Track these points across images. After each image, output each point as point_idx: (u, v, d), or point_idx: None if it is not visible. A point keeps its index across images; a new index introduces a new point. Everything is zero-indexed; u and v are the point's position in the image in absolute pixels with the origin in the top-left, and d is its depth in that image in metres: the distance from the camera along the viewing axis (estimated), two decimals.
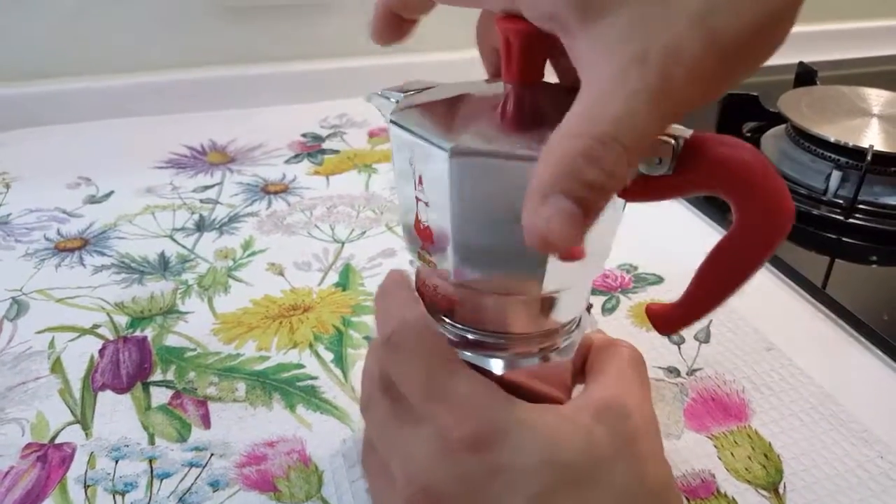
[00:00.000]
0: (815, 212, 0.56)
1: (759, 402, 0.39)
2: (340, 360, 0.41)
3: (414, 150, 0.25)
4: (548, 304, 0.28)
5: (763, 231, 0.24)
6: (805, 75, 0.74)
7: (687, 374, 0.41)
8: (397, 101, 0.27)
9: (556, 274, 0.26)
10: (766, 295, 0.48)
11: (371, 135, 0.70)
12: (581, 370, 0.29)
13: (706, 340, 0.43)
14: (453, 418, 0.24)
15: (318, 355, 0.41)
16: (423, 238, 0.27)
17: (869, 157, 0.54)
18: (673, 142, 0.23)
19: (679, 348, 0.43)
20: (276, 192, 0.59)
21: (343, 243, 0.52)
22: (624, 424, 0.25)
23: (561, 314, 0.28)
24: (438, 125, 0.25)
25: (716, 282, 0.26)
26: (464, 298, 0.28)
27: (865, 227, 0.54)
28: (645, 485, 0.25)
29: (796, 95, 0.66)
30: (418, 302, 0.28)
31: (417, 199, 0.26)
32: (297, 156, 0.65)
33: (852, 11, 1.02)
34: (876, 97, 0.66)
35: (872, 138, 0.57)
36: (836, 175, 0.56)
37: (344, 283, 0.47)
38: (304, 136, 0.70)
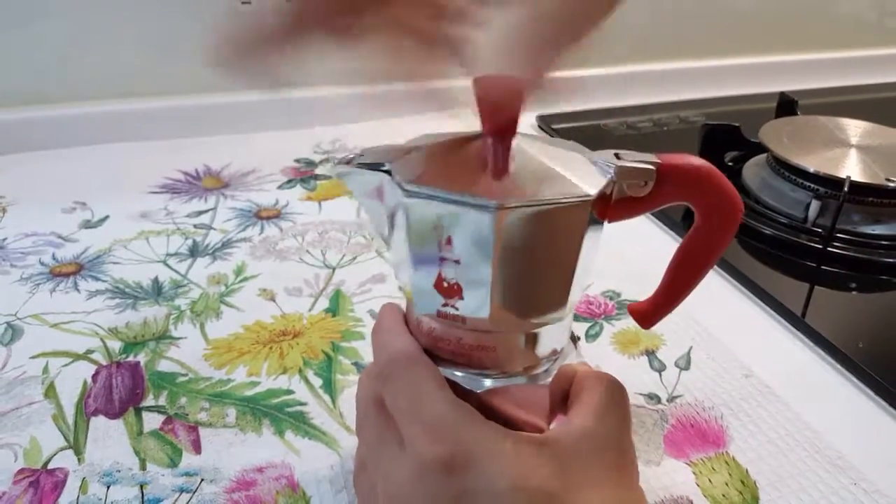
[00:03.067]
0: (795, 240, 0.57)
1: (737, 428, 0.40)
2: (329, 386, 0.41)
3: (443, 213, 0.26)
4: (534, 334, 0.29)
5: (721, 223, 0.30)
6: (786, 105, 0.76)
7: (667, 400, 0.42)
8: (372, 170, 0.28)
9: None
10: (745, 322, 0.50)
11: None
12: (564, 400, 0.30)
13: (686, 367, 0.45)
14: (428, 440, 0.25)
15: (307, 381, 0.42)
16: (448, 295, 0.28)
17: (846, 188, 0.55)
18: (653, 167, 0.28)
19: (660, 375, 0.44)
20: (268, 218, 0.60)
21: (334, 269, 0.53)
22: (601, 455, 0.26)
23: (547, 344, 0.30)
24: (460, 186, 0.26)
25: (685, 275, 0.32)
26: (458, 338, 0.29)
27: (843, 256, 0.56)
28: None
29: (777, 126, 0.68)
30: (408, 334, 0.30)
31: (443, 259, 0.27)
32: (290, 181, 0.67)
33: (833, 41, 1.04)
34: (854, 128, 0.67)
35: (850, 169, 0.59)
36: (815, 204, 0.58)
37: (334, 309, 0.48)
38: (297, 161, 0.71)
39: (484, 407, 0.28)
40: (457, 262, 0.27)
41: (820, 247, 0.56)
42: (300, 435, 0.38)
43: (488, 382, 0.30)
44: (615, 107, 0.85)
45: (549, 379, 0.31)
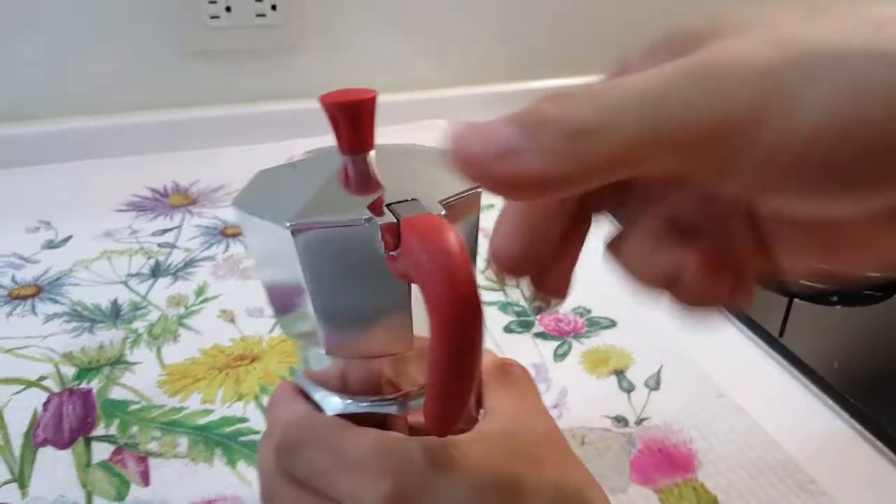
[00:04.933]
0: None
1: (707, 452, 0.39)
2: None
3: (259, 234, 0.26)
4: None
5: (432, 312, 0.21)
6: None
7: (635, 423, 0.41)
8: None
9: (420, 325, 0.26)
10: (719, 340, 0.48)
11: None
12: (478, 397, 0.30)
13: (656, 387, 0.43)
14: (370, 481, 0.24)
15: (262, 408, 0.40)
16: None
17: None
18: (396, 221, 0.24)
19: (629, 396, 0.43)
20: (234, 235, 0.58)
21: None
22: (532, 448, 0.27)
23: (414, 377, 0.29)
24: (279, 205, 0.25)
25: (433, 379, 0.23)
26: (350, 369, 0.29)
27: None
28: (565, 490, 0.25)
29: None
30: (300, 402, 0.29)
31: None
32: None
33: None
34: None
35: None
36: None
37: None
38: None
39: (404, 422, 0.28)
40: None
41: None
42: (253, 465, 0.37)
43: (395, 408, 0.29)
44: None
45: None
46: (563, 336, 0.48)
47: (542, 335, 0.48)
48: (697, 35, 0.18)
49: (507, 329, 0.48)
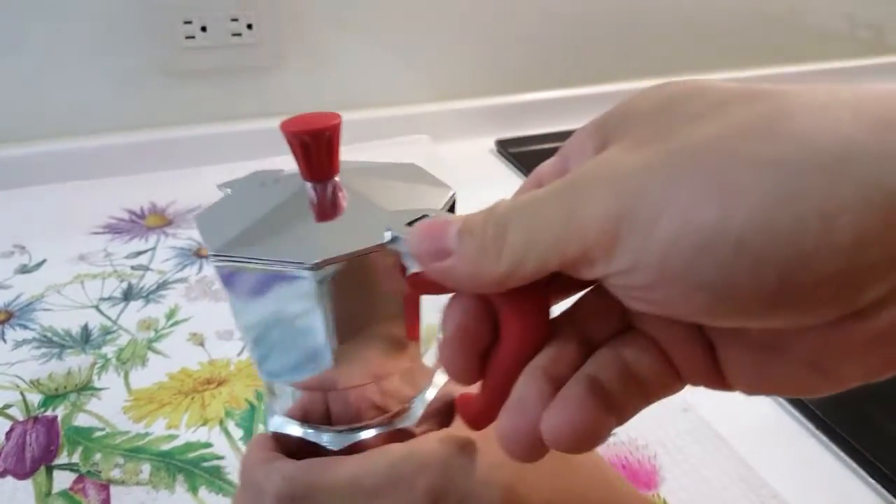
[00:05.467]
0: None
1: (670, 467, 0.39)
2: (250, 437, 0.40)
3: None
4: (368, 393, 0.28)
5: (519, 325, 0.22)
6: None
7: None
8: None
9: (355, 367, 0.26)
10: None
11: None
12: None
13: None
14: (401, 494, 0.25)
15: (227, 433, 0.40)
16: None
17: None
18: None
19: None
20: (208, 256, 0.58)
21: None
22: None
23: (390, 398, 0.29)
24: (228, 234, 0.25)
25: (497, 381, 0.23)
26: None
27: None
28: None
29: None
30: (260, 447, 0.29)
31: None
32: None
33: (805, 53, 1.04)
34: None
35: None
36: None
37: None
38: None
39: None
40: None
41: None
42: (214, 491, 0.37)
43: (362, 435, 0.28)
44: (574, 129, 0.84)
45: (412, 422, 0.29)
46: None
47: None
48: (614, 126, 0.20)
49: None
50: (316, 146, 0.25)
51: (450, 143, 0.83)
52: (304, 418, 0.29)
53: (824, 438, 0.41)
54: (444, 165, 0.78)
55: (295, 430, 0.29)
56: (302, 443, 0.29)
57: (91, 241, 0.61)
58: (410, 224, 0.23)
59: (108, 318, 0.51)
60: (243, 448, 0.39)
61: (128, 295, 0.53)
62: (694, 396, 0.43)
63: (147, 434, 0.40)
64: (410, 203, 0.26)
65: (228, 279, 0.25)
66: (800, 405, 0.43)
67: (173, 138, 0.74)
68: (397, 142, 0.82)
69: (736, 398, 0.43)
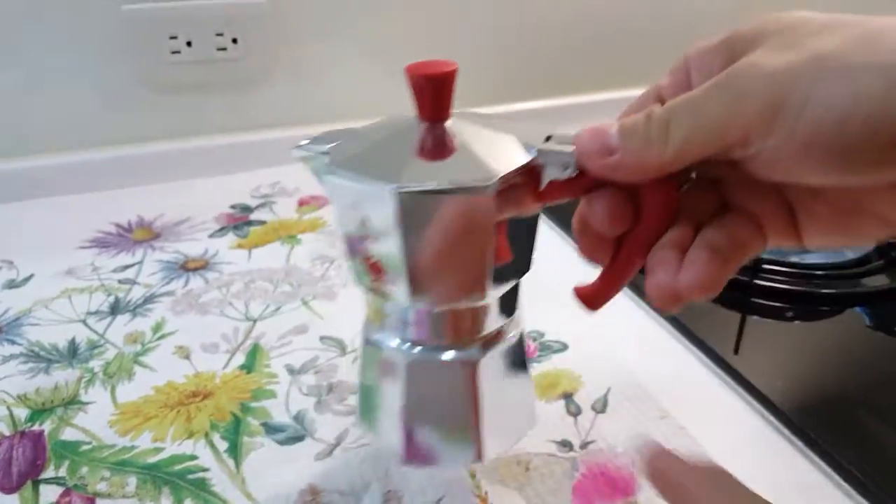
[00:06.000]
0: None
1: None
2: (235, 450, 0.41)
3: (358, 195, 0.28)
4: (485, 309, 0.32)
5: (660, 205, 0.28)
6: None
7: (580, 447, 0.41)
8: (323, 153, 0.30)
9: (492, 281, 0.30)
10: (668, 361, 0.49)
11: (301, 203, 0.71)
12: None
13: (603, 410, 0.44)
14: None
15: (212, 445, 0.41)
16: (373, 271, 0.30)
17: None
18: (572, 150, 0.28)
19: (575, 419, 0.43)
20: (195, 269, 0.59)
21: (255, 321, 0.52)
22: None
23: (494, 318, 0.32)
24: (376, 169, 0.28)
25: (627, 261, 0.30)
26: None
27: (772, 289, 0.56)
28: None
29: None
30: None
31: (363, 238, 0.29)
32: (222, 229, 0.66)
33: None
34: None
35: None
36: None
37: (249, 365, 0.47)
38: (233, 207, 0.70)
39: None
40: (375, 240, 0.29)
41: (747, 279, 0.56)
42: (199, 502, 0.37)
43: (429, 356, 0.32)
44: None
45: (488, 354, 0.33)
46: None
47: None
48: (744, 42, 0.25)
49: None
50: (438, 88, 0.29)
51: None
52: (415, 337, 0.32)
53: (800, 444, 0.42)
54: None
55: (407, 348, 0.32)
56: None
57: (78, 256, 0.62)
58: (547, 140, 0.29)
59: (96, 333, 0.51)
60: (228, 460, 0.40)
61: (115, 309, 0.54)
62: (675, 404, 0.44)
63: (133, 447, 0.41)
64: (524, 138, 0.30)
65: (408, 211, 0.27)
66: (781, 416, 0.43)
67: (160, 152, 0.74)
68: None
69: (716, 408, 0.44)
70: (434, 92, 0.29)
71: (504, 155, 0.28)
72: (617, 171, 0.26)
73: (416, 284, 0.29)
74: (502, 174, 0.27)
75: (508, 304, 0.33)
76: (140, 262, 0.60)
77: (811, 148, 0.23)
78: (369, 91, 0.82)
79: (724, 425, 0.43)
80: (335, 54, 0.79)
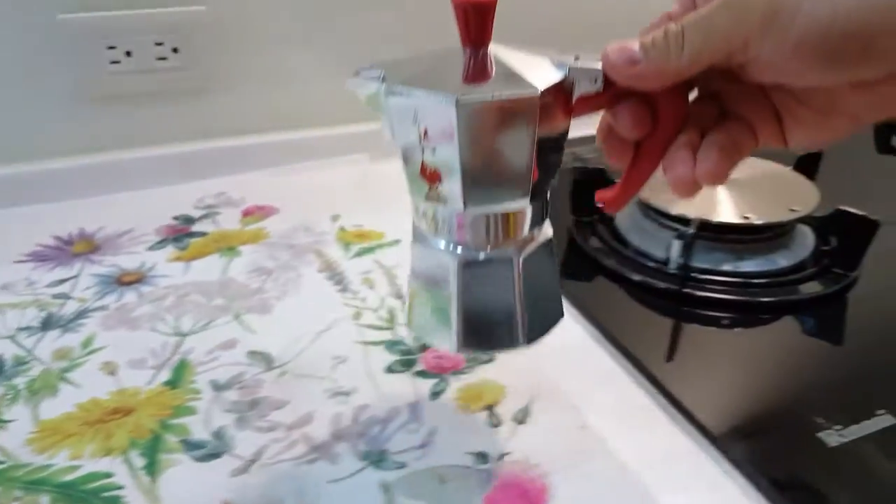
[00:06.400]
0: (654, 283, 0.58)
1: (560, 485, 0.40)
2: (151, 466, 0.41)
3: (420, 109, 0.32)
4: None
5: (666, 116, 0.34)
6: None
7: (497, 459, 0.42)
8: (375, 78, 0.33)
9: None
10: (592, 370, 0.50)
11: (245, 213, 0.71)
12: None
13: (523, 421, 0.45)
14: None
15: (129, 463, 0.41)
16: (430, 180, 0.34)
17: (691, 229, 0.56)
18: (600, 65, 0.33)
19: (496, 431, 0.44)
20: (130, 283, 0.59)
21: (185, 336, 0.52)
22: None
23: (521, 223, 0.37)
24: (435, 85, 0.32)
25: (645, 165, 0.36)
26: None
27: (701, 298, 0.56)
28: None
29: None
30: None
31: (423, 149, 0.33)
32: (162, 241, 0.66)
33: None
34: None
35: (713, 207, 0.60)
36: (675, 245, 0.58)
37: (174, 381, 0.47)
38: (175, 218, 0.70)
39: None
40: (433, 150, 0.33)
41: (676, 288, 0.56)
42: None
43: (477, 256, 0.36)
44: None
45: (526, 252, 0.37)
46: (441, 373, 0.49)
47: (421, 374, 0.49)
48: None
49: (389, 369, 0.49)
50: (475, 15, 0.33)
51: (389, 162, 0.84)
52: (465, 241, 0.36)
53: (717, 456, 0.42)
54: (383, 182, 0.79)
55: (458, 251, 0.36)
56: None
57: (14, 270, 0.61)
58: (576, 59, 0.33)
59: (24, 349, 0.51)
60: (144, 478, 0.40)
61: (46, 324, 0.54)
62: (597, 415, 0.45)
63: (49, 466, 0.41)
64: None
65: (466, 120, 0.31)
66: (703, 430, 0.44)
67: (105, 163, 0.74)
68: (333, 162, 0.83)
69: (638, 419, 0.45)
70: (478, 18, 0.33)
71: (541, 73, 0.33)
72: (640, 79, 0.32)
73: (470, 189, 0.33)
74: (546, 86, 0.32)
75: (540, 211, 0.37)
76: (76, 276, 0.60)
77: (799, 50, 0.28)
78: (314, 97, 0.82)
79: (646, 437, 0.44)
80: (278, 62, 0.79)
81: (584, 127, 0.38)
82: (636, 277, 0.58)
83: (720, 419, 0.44)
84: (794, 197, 0.63)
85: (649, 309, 0.57)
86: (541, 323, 0.39)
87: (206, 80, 0.75)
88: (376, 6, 0.81)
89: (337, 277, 0.60)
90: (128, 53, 0.70)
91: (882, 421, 0.44)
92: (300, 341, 0.51)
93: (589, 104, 0.34)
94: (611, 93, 0.33)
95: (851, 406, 0.46)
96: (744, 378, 0.49)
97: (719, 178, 0.33)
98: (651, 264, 0.60)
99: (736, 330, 0.55)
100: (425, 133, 0.32)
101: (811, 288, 0.59)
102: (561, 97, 0.33)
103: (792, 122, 0.34)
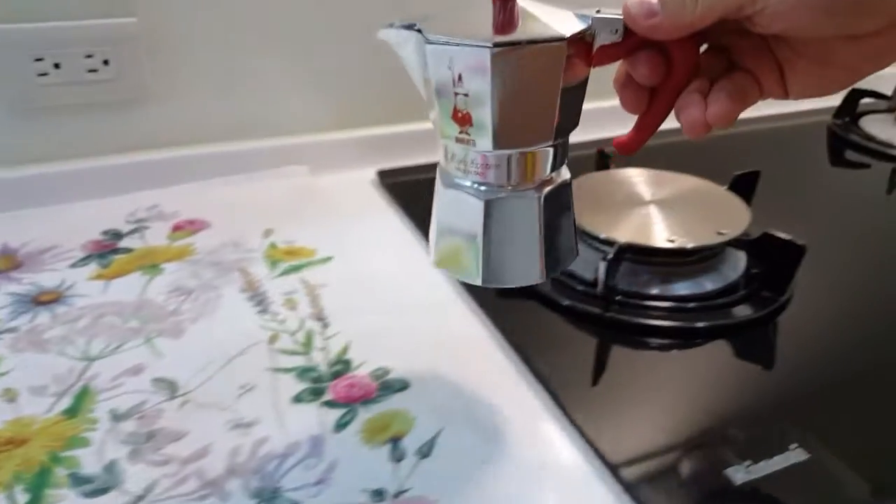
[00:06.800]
0: (582, 307, 0.57)
1: None
2: (37, 503, 0.40)
3: (454, 55, 0.35)
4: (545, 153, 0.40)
5: (687, 60, 0.38)
6: (602, 159, 0.76)
7: (394, 495, 0.41)
8: (408, 28, 0.37)
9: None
10: (507, 399, 0.49)
11: (175, 228, 0.70)
12: None
13: (427, 455, 0.44)
14: None
15: (12, 499, 0.40)
16: (461, 123, 0.37)
17: (612, 252, 0.56)
18: (621, 16, 0.36)
19: (397, 466, 0.43)
20: (46, 303, 0.58)
21: (92, 361, 0.51)
22: None
23: (543, 163, 0.40)
24: (469, 34, 0.35)
25: (658, 111, 0.40)
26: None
27: (620, 321, 0.56)
28: None
29: (583, 183, 0.68)
30: None
31: (456, 94, 0.36)
32: (86, 257, 0.64)
33: None
34: (652, 179, 0.68)
35: (642, 228, 0.60)
36: (601, 267, 0.58)
37: (73, 410, 0.46)
38: (104, 233, 0.69)
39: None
40: (466, 95, 0.36)
41: (599, 312, 0.56)
42: None
43: (502, 194, 0.39)
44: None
45: (546, 192, 0.40)
46: (350, 403, 0.48)
47: (329, 404, 0.48)
48: None
49: (297, 398, 0.48)
50: None
51: (331, 175, 0.84)
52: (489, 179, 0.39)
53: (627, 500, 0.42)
54: (321, 196, 0.78)
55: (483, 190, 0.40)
56: None
57: None
58: (597, 12, 0.37)
59: None
60: None
61: None
62: (501, 449, 0.44)
63: None
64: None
65: (499, 64, 0.34)
66: (607, 464, 0.44)
67: (33, 176, 0.72)
68: (273, 173, 0.81)
69: (547, 453, 0.44)
70: None
71: (567, 23, 0.36)
72: (657, 30, 0.35)
73: (499, 130, 0.36)
74: (571, 34, 0.35)
75: (561, 155, 0.40)
76: None
77: (802, 3, 0.32)
78: (247, 110, 0.81)
79: (555, 477, 0.43)
80: (211, 73, 0.77)
81: None
82: (565, 302, 0.58)
83: (625, 451, 0.44)
84: (725, 219, 0.63)
85: (579, 332, 0.56)
86: (558, 260, 0.42)
87: (138, 91, 0.74)
88: (307, 23, 0.80)
89: (258, 298, 0.59)
90: (56, 65, 0.68)
91: (793, 456, 0.44)
92: (208, 368, 0.50)
93: (608, 54, 0.38)
94: (629, 43, 0.37)
95: (766, 439, 0.45)
96: (661, 407, 0.49)
97: (728, 119, 0.37)
98: (580, 288, 0.59)
99: (663, 354, 0.55)
100: (459, 77, 0.35)
101: (742, 311, 0.59)
102: (584, 46, 0.37)
103: (791, 73, 0.37)
